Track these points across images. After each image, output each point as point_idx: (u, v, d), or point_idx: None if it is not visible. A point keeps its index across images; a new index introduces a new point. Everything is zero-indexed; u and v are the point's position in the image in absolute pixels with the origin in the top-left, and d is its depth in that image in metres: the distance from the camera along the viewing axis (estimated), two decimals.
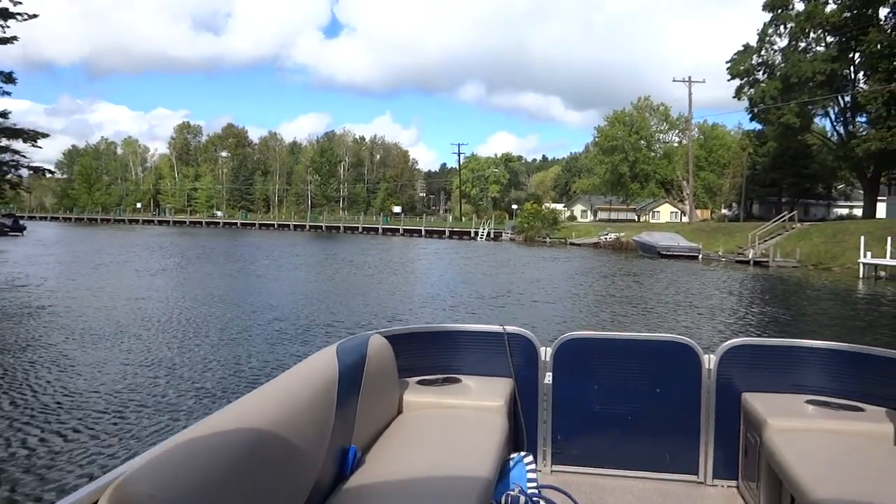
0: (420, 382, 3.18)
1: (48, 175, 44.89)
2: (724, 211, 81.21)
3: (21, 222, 53.89)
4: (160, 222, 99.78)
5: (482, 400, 3.00)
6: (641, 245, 41.74)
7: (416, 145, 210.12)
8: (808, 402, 2.95)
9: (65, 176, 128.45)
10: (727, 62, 51.11)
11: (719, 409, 3.13)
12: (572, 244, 53.30)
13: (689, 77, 51.08)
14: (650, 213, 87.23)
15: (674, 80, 51.47)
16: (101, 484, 1.42)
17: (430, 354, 3.34)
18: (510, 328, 3.28)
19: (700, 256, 38.16)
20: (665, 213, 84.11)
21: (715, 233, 44.64)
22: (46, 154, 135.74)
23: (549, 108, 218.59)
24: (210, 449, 1.57)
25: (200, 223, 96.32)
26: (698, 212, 67.22)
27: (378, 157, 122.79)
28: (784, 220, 40.78)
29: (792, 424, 2.72)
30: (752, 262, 34.62)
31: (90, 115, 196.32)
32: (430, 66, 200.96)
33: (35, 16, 34.31)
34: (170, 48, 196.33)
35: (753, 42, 50.19)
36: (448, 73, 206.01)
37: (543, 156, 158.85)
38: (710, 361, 3.13)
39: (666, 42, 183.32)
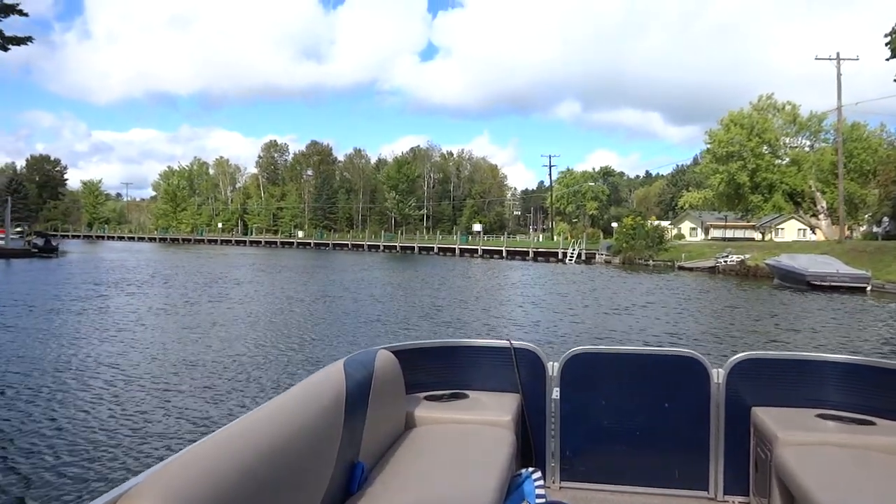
0: (427, 398, 3.14)
1: None
2: (865, 227, 67.64)
3: (54, 243, 49.56)
4: (237, 242, 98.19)
5: (490, 415, 2.95)
6: (780, 271, 31.54)
7: (514, 165, 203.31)
8: (820, 415, 2.88)
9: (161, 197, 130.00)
10: (886, 35, 39.84)
11: (729, 423, 3.05)
12: (682, 268, 43.50)
13: (838, 53, 40.26)
14: (774, 231, 75.46)
15: (817, 59, 40.73)
16: (106, 501, 1.40)
17: (438, 370, 3.28)
18: (517, 343, 3.22)
19: (869, 288, 27.76)
20: (791, 229, 72.61)
21: (881, 255, 33.56)
22: (154, 176, 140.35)
23: (650, 123, 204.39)
24: (216, 465, 1.53)
25: (275, 243, 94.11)
26: (835, 228, 55.11)
27: (466, 173, 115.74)
28: None
29: (803, 438, 2.66)
30: None
31: (207, 142, 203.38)
32: (526, 86, 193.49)
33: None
34: (277, 76, 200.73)
35: None
36: (544, 92, 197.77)
37: (647, 171, 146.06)
38: (718, 375, 3.06)
39: (773, 49, 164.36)
